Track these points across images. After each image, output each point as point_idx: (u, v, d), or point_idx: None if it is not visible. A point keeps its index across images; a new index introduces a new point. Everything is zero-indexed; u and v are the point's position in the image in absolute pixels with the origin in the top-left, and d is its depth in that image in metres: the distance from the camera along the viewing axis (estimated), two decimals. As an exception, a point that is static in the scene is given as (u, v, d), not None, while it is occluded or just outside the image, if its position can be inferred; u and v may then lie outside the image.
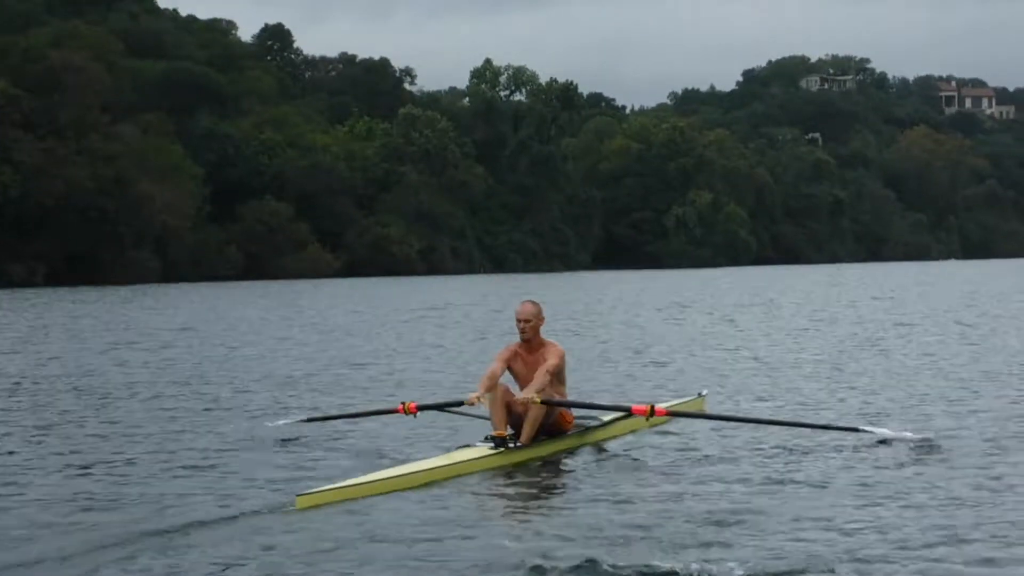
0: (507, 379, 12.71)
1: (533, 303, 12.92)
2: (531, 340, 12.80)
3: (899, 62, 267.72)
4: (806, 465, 11.64)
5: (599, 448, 12.90)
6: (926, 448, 12.26)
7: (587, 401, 13.77)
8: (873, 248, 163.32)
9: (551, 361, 12.55)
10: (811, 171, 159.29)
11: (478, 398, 12.49)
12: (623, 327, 33.07)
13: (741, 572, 7.93)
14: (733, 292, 58.86)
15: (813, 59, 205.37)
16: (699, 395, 15.60)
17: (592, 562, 8.14)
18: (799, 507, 9.81)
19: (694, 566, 7.99)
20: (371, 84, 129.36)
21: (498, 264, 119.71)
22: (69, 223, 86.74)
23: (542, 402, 12.30)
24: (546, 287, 68.39)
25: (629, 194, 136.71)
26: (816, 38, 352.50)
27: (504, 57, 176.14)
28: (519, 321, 12.82)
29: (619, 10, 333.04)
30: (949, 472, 11.10)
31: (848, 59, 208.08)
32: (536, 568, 8.13)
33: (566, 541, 8.80)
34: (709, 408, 15.11)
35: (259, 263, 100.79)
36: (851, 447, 12.56)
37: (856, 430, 12.94)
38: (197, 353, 25.85)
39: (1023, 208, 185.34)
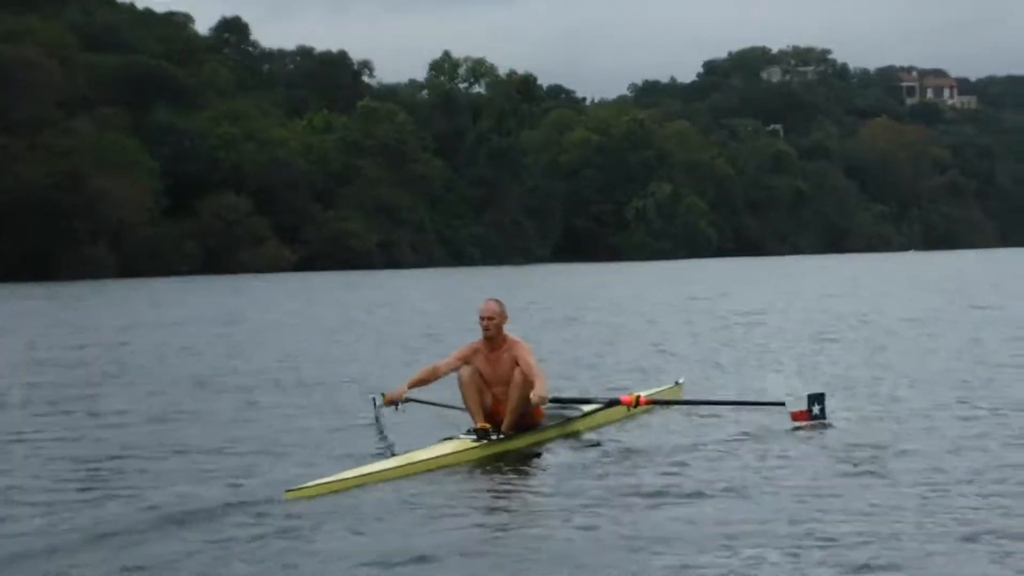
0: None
1: (496, 301, 13.00)
2: (495, 338, 12.84)
3: (860, 53, 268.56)
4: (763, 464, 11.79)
5: (579, 439, 13.12)
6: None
7: (581, 397, 14.43)
8: (835, 240, 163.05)
9: (530, 359, 12.64)
10: (772, 162, 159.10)
11: (393, 399, 13.13)
12: (577, 321, 32.94)
13: None
14: (685, 285, 58.69)
15: (774, 50, 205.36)
16: (676, 383, 15.89)
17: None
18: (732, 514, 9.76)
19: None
20: (329, 77, 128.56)
21: (457, 257, 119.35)
22: (24, 220, 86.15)
23: (552, 400, 12.90)
24: (500, 281, 68.09)
25: (589, 186, 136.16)
26: (777, 29, 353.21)
27: (469, 51, 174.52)
28: (482, 319, 12.85)
29: (583, 3, 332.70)
30: (892, 481, 10.89)
31: (809, 50, 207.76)
32: (517, 560, 8.48)
33: (540, 542, 8.97)
34: (685, 395, 15.49)
35: (218, 258, 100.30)
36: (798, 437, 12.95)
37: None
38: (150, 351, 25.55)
39: (984, 198, 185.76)
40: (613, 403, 13.64)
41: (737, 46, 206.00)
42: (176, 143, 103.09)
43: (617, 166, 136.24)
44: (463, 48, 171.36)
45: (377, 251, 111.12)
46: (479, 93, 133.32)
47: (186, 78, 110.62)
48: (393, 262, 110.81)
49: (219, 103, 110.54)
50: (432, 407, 13.97)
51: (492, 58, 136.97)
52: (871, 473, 11.16)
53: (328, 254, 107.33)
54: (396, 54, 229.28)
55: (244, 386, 18.88)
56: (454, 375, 12.87)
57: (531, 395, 12.39)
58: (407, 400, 13.31)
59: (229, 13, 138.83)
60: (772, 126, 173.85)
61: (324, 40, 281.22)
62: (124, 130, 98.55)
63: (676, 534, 9.08)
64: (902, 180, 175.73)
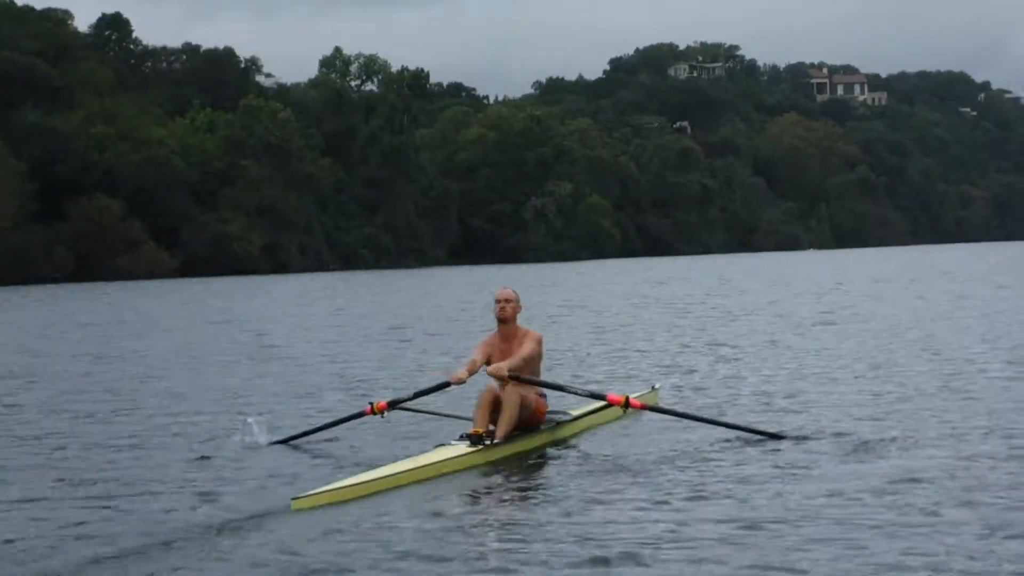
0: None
1: (512, 289, 13.19)
2: (509, 323, 13.00)
3: (770, 49, 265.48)
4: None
5: (571, 444, 13.01)
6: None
7: (560, 383, 13.68)
8: (743, 238, 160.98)
9: (528, 345, 12.80)
10: (678, 160, 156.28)
11: (466, 376, 12.66)
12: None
13: None
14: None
15: (682, 47, 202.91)
16: (652, 388, 15.49)
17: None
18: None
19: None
20: (215, 75, 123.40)
21: (348, 261, 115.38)
22: None
23: (510, 376, 12.48)
24: (379, 287, 64.75)
25: (486, 185, 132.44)
26: (685, 26, 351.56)
27: (389, 54, 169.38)
28: (498, 301, 13.03)
29: (500, 5, 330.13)
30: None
31: (717, 46, 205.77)
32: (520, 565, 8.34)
33: (544, 544, 8.83)
34: (661, 400, 14.97)
35: (90, 264, 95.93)
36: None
37: None
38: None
39: (895, 194, 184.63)
40: (597, 397, 13.19)
41: (644, 43, 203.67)
42: (45, 144, 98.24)
43: (514, 164, 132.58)
44: (385, 51, 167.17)
45: (262, 255, 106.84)
46: (371, 91, 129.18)
47: (60, 77, 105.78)
48: (280, 266, 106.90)
49: (94, 102, 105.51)
50: (419, 415, 13.96)
51: (415, 61, 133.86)
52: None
53: (210, 259, 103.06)
54: (311, 57, 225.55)
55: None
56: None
57: (491, 368, 12.51)
58: (393, 408, 13.22)
59: (154, 14, 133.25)
60: (679, 123, 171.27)
61: (246, 43, 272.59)
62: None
63: (664, 538, 8.91)
64: (811, 177, 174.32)
